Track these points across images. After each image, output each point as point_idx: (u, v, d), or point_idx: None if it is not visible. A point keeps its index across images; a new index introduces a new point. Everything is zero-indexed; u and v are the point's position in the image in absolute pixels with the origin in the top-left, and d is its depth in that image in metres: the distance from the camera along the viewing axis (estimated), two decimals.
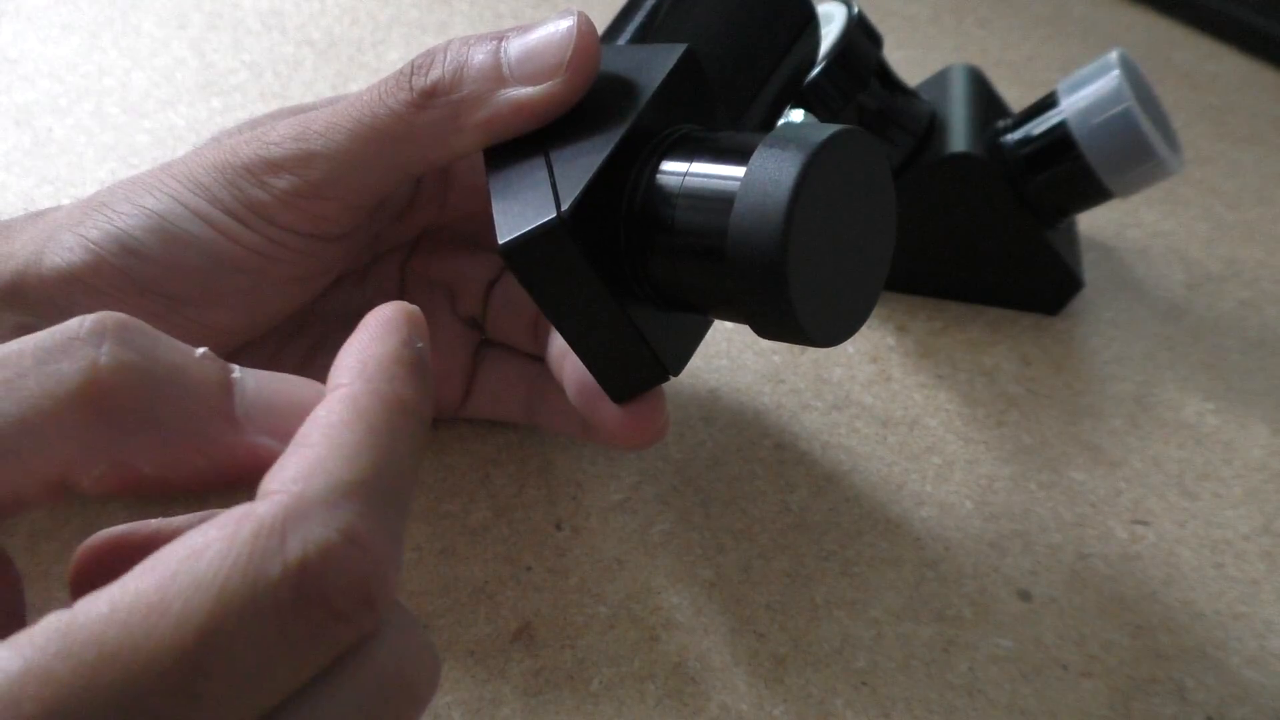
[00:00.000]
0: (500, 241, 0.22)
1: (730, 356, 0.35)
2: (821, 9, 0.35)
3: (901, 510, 0.30)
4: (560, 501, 0.30)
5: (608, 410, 0.25)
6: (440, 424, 0.31)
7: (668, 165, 0.23)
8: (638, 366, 0.24)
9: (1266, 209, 0.43)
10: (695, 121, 0.25)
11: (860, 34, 0.33)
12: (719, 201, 0.21)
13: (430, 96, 0.23)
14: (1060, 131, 0.33)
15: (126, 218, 0.24)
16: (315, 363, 0.29)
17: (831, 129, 0.21)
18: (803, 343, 0.22)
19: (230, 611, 0.13)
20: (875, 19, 0.53)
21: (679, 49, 0.25)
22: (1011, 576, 0.29)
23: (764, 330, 0.22)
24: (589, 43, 0.23)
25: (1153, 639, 0.27)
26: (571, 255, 0.22)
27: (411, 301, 0.30)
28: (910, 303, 0.37)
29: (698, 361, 0.34)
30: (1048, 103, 0.34)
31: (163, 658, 0.12)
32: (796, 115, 0.32)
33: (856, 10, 0.33)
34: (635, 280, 0.23)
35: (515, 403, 0.30)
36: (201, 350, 0.16)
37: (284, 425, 0.16)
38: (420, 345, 0.17)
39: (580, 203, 0.22)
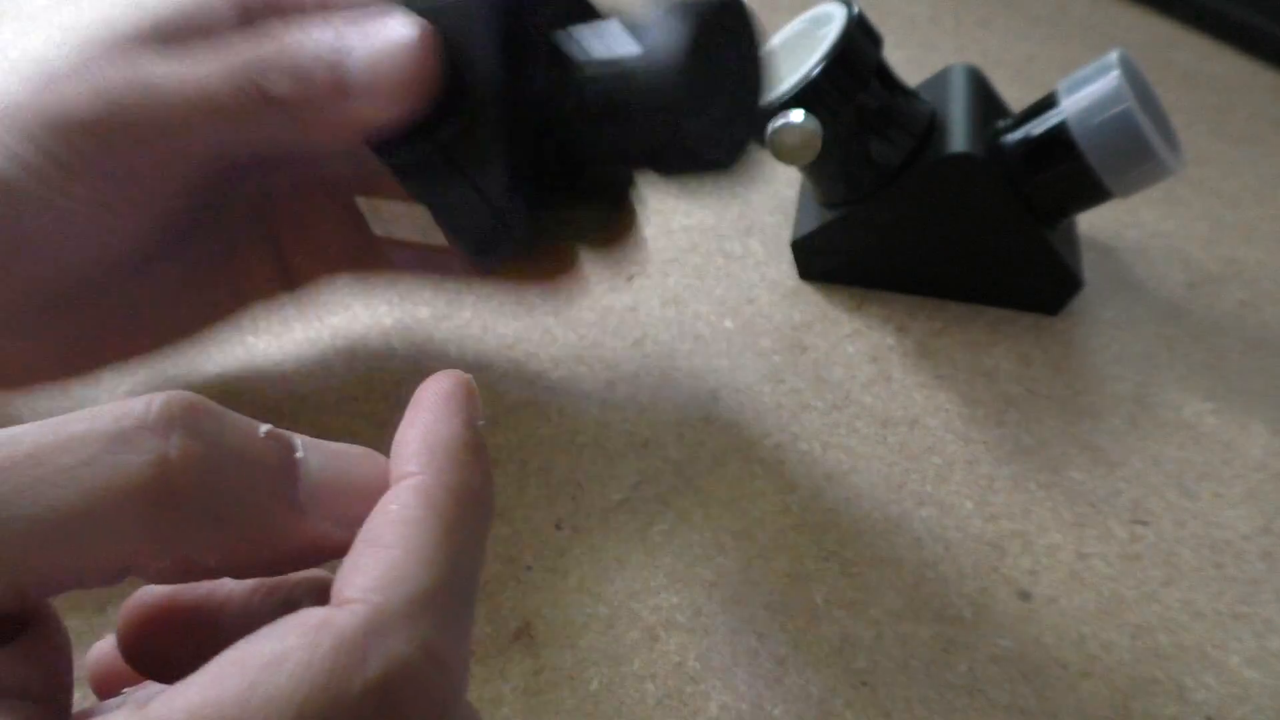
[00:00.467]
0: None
1: (730, 356, 0.35)
2: (821, 9, 0.35)
3: (901, 510, 0.30)
4: (560, 501, 0.30)
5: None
6: None
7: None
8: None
9: (1266, 209, 0.43)
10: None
11: (860, 33, 0.33)
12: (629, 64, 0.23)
13: (270, 103, 0.23)
14: (1060, 131, 0.33)
15: None
16: (177, 261, 0.28)
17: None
18: (700, 168, 0.24)
19: None
20: (875, 19, 0.53)
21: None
22: (1011, 576, 0.29)
23: (668, 159, 0.24)
24: (431, 63, 0.23)
25: (1152, 639, 0.27)
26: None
27: (277, 193, 0.29)
28: (910, 303, 0.37)
29: (697, 361, 0.34)
30: (1047, 103, 0.34)
31: None
32: (796, 116, 0.32)
33: (856, 10, 0.33)
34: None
35: (411, 256, 0.30)
36: (265, 428, 0.16)
37: (348, 510, 0.16)
38: (481, 423, 0.17)
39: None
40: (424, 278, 0.31)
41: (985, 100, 0.37)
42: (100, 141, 0.23)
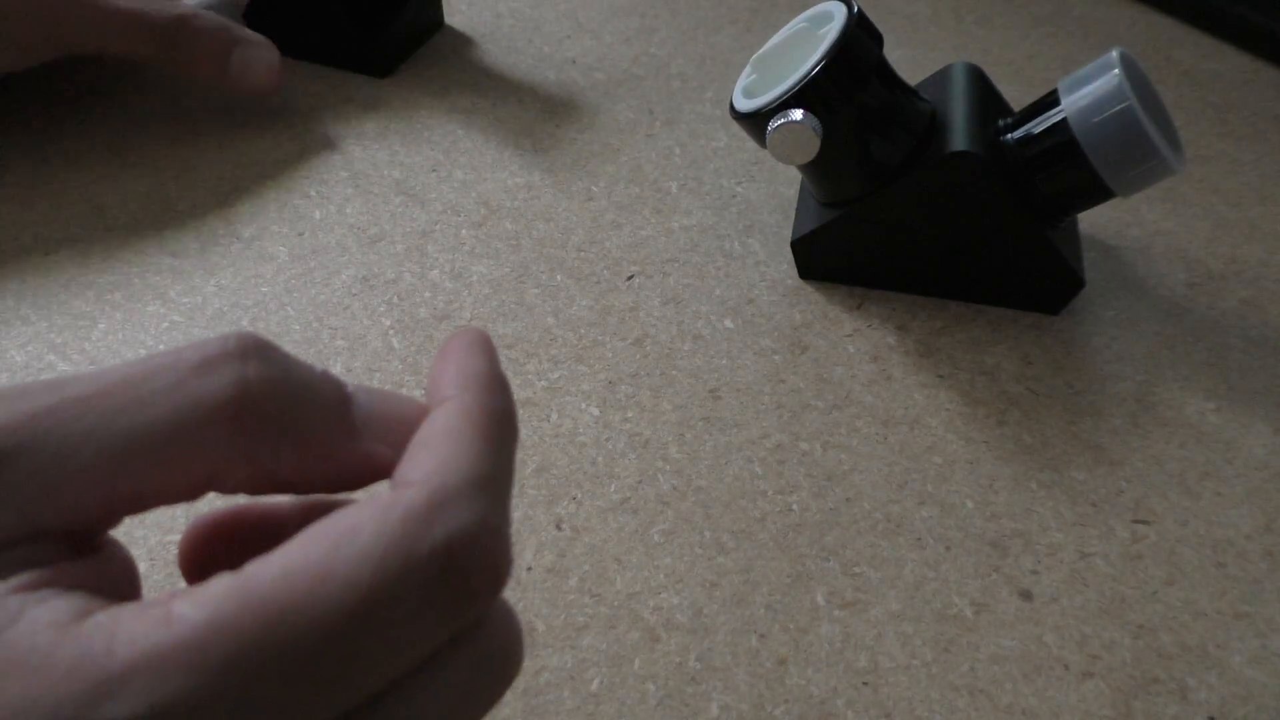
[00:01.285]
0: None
1: (730, 356, 0.35)
2: (821, 7, 0.34)
3: (902, 510, 0.30)
4: (560, 501, 0.30)
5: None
6: None
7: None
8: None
9: (1268, 207, 0.43)
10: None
11: (860, 32, 0.33)
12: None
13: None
14: (1061, 130, 0.33)
15: None
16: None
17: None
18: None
19: (386, 582, 0.14)
20: (875, 18, 0.53)
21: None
22: (1013, 576, 0.29)
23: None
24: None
25: (1154, 638, 0.27)
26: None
27: None
28: (911, 302, 0.37)
29: (697, 361, 0.34)
30: (1049, 101, 0.34)
31: (331, 617, 0.14)
32: (796, 114, 0.32)
33: (856, 8, 0.33)
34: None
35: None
36: (322, 369, 0.18)
37: (394, 435, 0.18)
38: (500, 365, 0.20)
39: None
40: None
41: (986, 99, 0.37)
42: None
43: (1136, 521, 0.30)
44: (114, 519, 0.16)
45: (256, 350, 0.17)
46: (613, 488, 0.30)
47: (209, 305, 0.35)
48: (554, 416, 0.32)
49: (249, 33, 0.41)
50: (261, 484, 0.17)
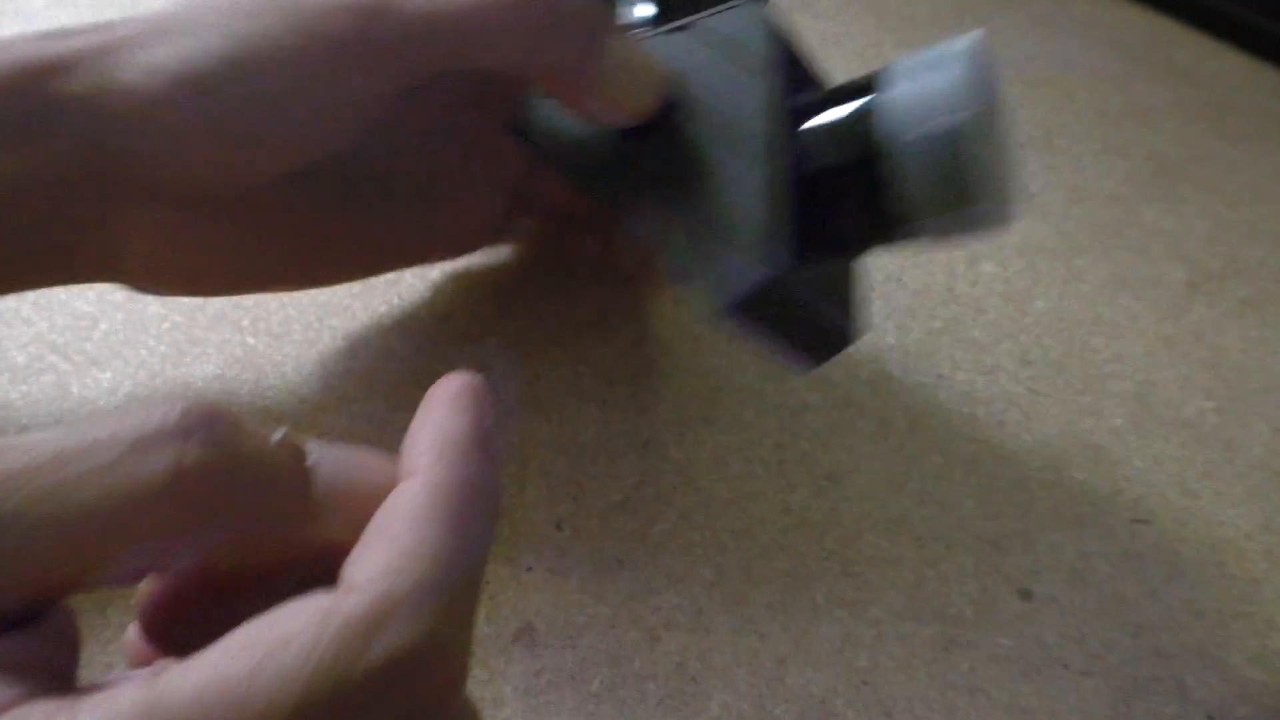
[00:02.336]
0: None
1: (730, 356, 0.35)
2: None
3: (902, 510, 0.30)
4: (560, 501, 0.30)
5: None
6: None
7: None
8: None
9: (1267, 207, 0.43)
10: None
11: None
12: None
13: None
14: (859, 136, 0.22)
15: (191, 49, 0.24)
16: (415, 156, 0.29)
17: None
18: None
19: (314, 708, 0.13)
20: (874, 18, 0.53)
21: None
22: (1012, 575, 0.29)
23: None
24: (664, 86, 0.26)
25: (1154, 638, 0.27)
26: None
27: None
28: (911, 301, 0.37)
29: (697, 360, 0.34)
30: (862, 87, 0.23)
31: None
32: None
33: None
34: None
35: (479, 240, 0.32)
36: (279, 434, 0.17)
37: (359, 512, 0.17)
38: (489, 425, 0.18)
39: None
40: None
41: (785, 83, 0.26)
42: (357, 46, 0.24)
43: (1136, 521, 0.30)
44: (44, 605, 0.15)
45: (201, 425, 0.15)
46: (613, 488, 0.30)
47: (209, 306, 0.35)
48: (554, 416, 0.32)
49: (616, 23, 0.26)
50: (206, 569, 0.16)
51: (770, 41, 0.24)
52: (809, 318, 0.24)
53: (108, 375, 0.32)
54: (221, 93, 0.24)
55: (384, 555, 0.15)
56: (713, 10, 0.25)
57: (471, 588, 0.16)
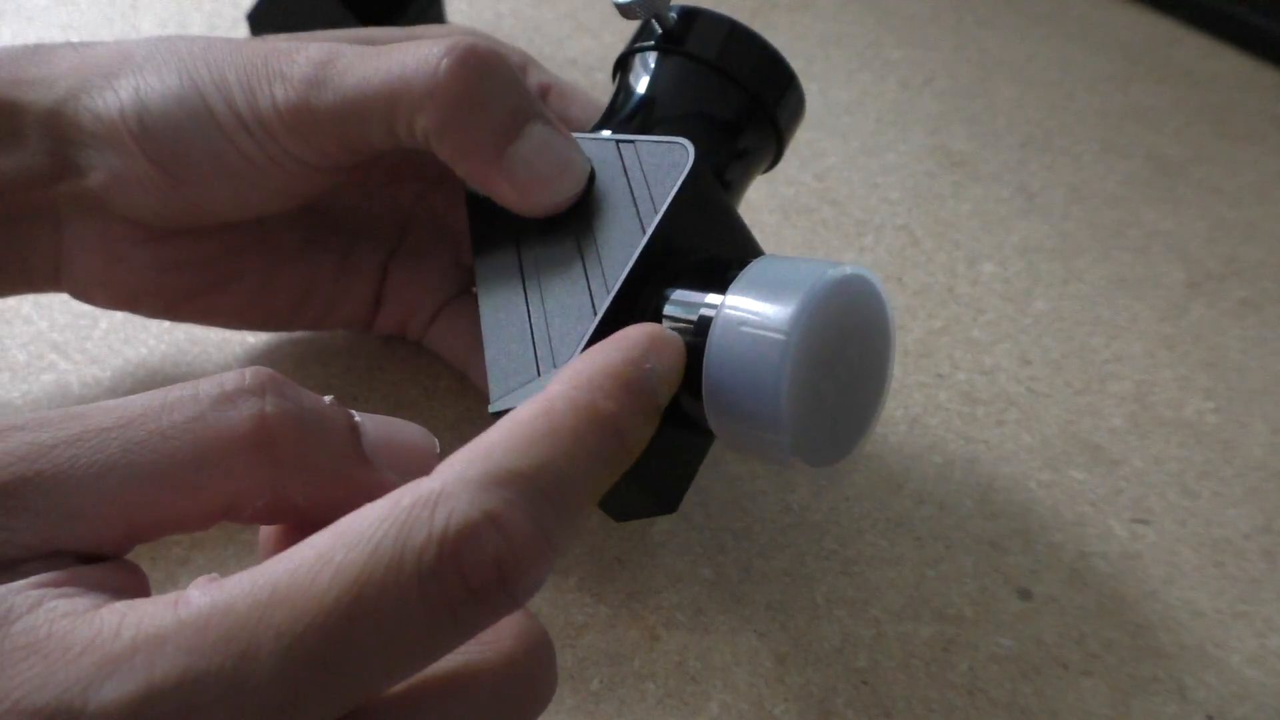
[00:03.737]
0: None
1: None
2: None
3: (902, 509, 0.30)
4: None
5: None
6: (444, 426, 0.31)
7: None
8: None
9: (1267, 207, 0.43)
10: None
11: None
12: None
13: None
14: (691, 323, 0.21)
15: (151, 91, 0.25)
16: (306, 256, 0.30)
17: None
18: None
19: (379, 567, 0.14)
20: (874, 18, 0.53)
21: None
22: (1012, 575, 0.29)
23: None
24: (580, 188, 0.25)
25: (1153, 638, 0.27)
26: None
27: (411, 236, 0.32)
28: (910, 300, 0.37)
29: None
30: (725, 276, 0.22)
31: (319, 602, 0.14)
32: None
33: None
34: None
35: (458, 352, 0.32)
36: (329, 398, 0.18)
37: (402, 461, 0.19)
38: (651, 366, 0.18)
39: None
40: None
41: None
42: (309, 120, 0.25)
43: (1135, 521, 0.30)
44: (130, 545, 0.17)
45: (272, 385, 0.17)
46: None
47: None
48: None
49: (537, 101, 0.25)
50: (277, 513, 0.18)
51: (680, 193, 0.23)
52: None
53: (108, 374, 0.32)
54: (169, 135, 0.25)
55: (471, 448, 0.16)
56: (655, 138, 0.24)
57: (560, 498, 0.16)
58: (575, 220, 0.25)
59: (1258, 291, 0.39)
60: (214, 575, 0.19)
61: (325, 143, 0.25)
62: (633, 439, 0.18)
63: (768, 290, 0.20)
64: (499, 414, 0.23)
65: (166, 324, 0.34)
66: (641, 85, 0.27)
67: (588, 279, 0.23)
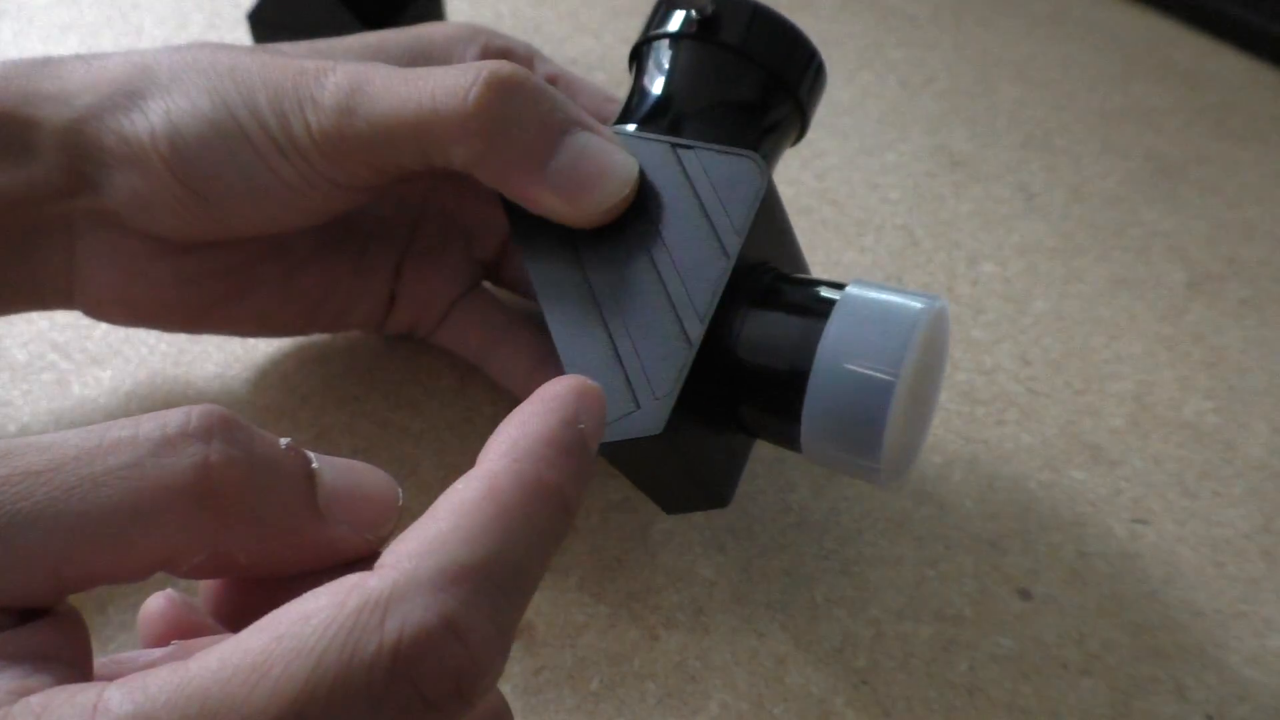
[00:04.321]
0: None
1: None
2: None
3: (901, 509, 0.30)
4: None
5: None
6: (444, 426, 0.31)
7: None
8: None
9: (1266, 208, 0.43)
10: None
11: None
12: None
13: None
14: (792, 352, 0.22)
15: (183, 114, 0.25)
16: (321, 260, 0.30)
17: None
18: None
19: (324, 682, 0.13)
20: (874, 18, 0.53)
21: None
22: (1011, 575, 0.29)
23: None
24: (630, 189, 0.24)
25: (1153, 638, 0.27)
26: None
27: (421, 233, 0.32)
28: None
29: None
30: (816, 303, 0.23)
31: (259, 718, 0.13)
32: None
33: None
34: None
35: (472, 347, 0.32)
36: (285, 441, 0.17)
37: (360, 515, 0.17)
38: (583, 426, 0.17)
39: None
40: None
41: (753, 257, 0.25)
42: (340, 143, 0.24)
43: (1135, 521, 0.30)
44: (60, 597, 0.15)
45: (220, 428, 0.16)
46: (612, 487, 0.30)
47: None
48: None
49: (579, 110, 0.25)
50: (218, 568, 0.16)
51: (759, 214, 0.23)
52: (680, 473, 0.24)
53: (108, 374, 0.32)
54: (203, 158, 0.24)
55: (421, 539, 0.15)
56: (721, 148, 0.24)
57: (515, 584, 0.15)
58: (642, 233, 0.24)
59: (1258, 292, 0.39)
60: (169, 593, 0.18)
61: (358, 167, 0.25)
62: (575, 504, 0.17)
63: (870, 325, 0.22)
64: (602, 446, 0.22)
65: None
66: (661, 73, 0.27)
67: (673, 303, 0.23)
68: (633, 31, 0.51)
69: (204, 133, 0.24)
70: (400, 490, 0.19)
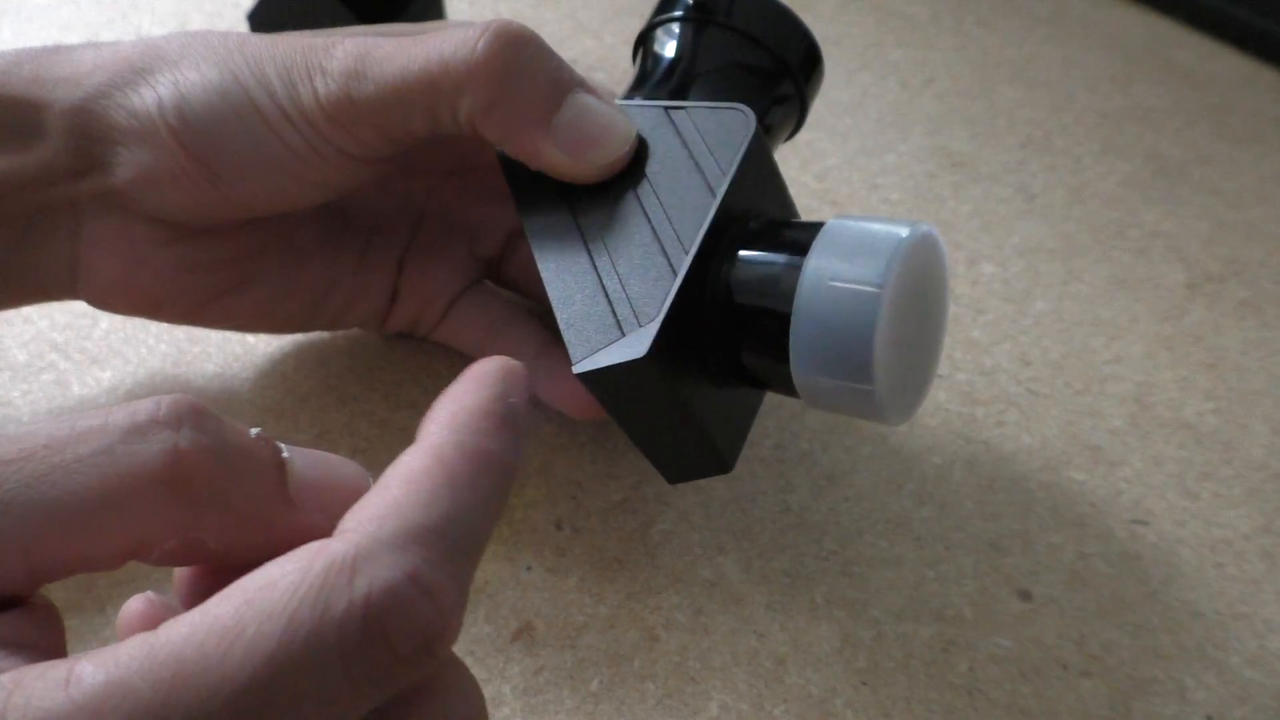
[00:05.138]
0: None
1: None
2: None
3: (901, 510, 0.30)
4: (560, 501, 0.30)
5: (560, 388, 0.28)
6: None
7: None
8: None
9: (1266, 208, 0.43)
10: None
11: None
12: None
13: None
14: (775, 288, 0.22)
15: (191, 85, 0.25)
16: (324, 254, 0.30)
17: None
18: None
19: (297, 640, 0.13)
20: (874, 18, 0.53)
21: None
22: (1011, 576, 0.29)
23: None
24: (629, 147, 0.25)
25: (1153, 639, 0.27)
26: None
27: (424, 230, 0.32)
28: None
29: None
30: (797, 236, 0.23)
31: (233, 680, 0.13)
32: None
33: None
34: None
35: (474, 341, 0.32)
36: (255, 431, 0.17)
37: (331, 503, 0.17)
38: (513, 400, 0.18)
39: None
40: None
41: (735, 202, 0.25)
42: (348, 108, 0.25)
43: (1135, 522, 0.30)
44: (34, 586, 0.16)
45: (191, 416, 0.16)
46: (612, 488, 0.30)
47: None
48: (554, 416, 0.32)
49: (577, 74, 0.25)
50: (189, 555, 0.17)
51: (745, 159, 0.24)
52: (677, 425, 0.24)
53: (108, 374, 0.32)
54: (212, 128, 0.25)
55: (377, 505, 0.15)
56: (711, 104, 0.25)
57: (467, 547, 0.16)
58: (634, 184, 0.25)
59: (1258, 292, 0.39)
60: (149, 594, 0.18)
61: (367, 133, 0.25)
62: (514, 471, 0.18)
63: (851, 249, 0.21)
64: (586, 375, 0.23)
65: (166, 325, 0.34)
66: (668, 55, 0.28)
67: (660, 241, 0.24)
68: (632, 31, 0.51)
69: (212, 102, 0.24)
70: (371, 479, 0.19)
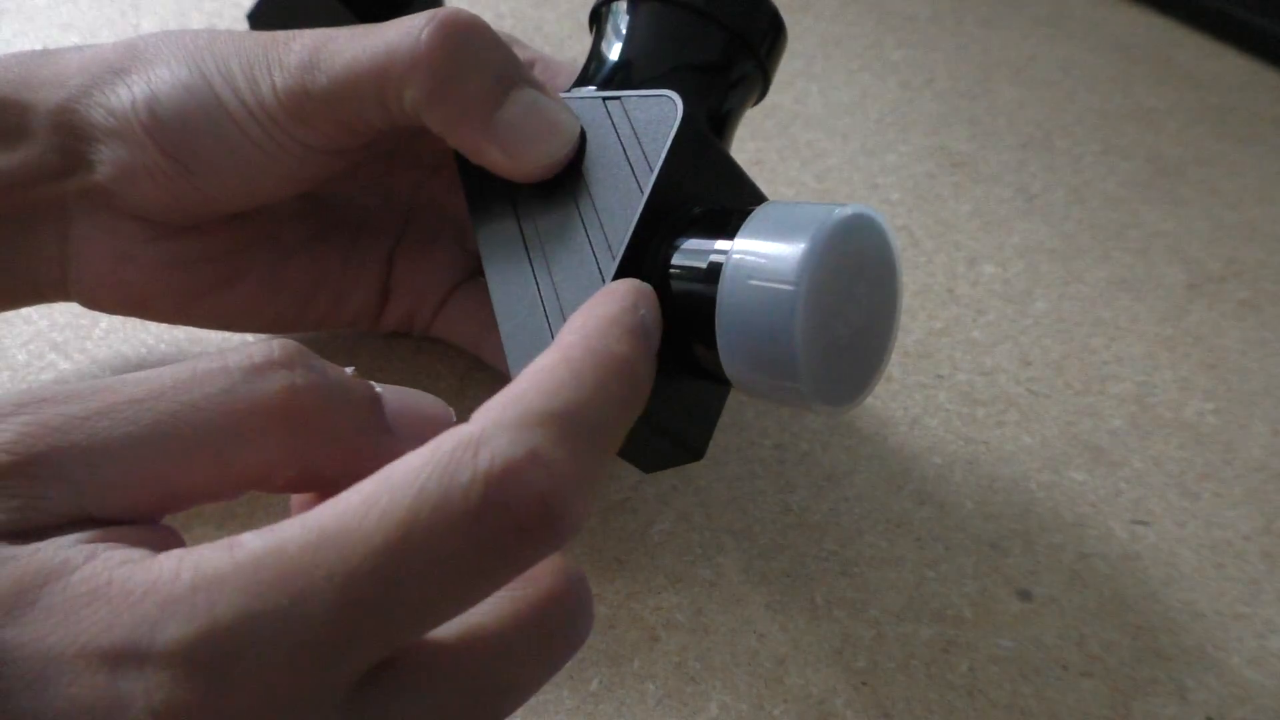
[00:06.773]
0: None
1: None
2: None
3: (901, 510, 0.30)
4: None
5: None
6: None
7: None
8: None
9: (1267, 208, 0.43)
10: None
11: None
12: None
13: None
14: (707, 275, 0.21)
15: (161, 83, 0.25)
16: (311, 250, 0.30)
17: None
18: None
19: (425, 508, 0.15)
20: (874, 18, 0.53)
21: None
22: (1012, 576, 0.29)
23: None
24: (571, 147, 0.25)
25: (1153, 639, 0.27)
26: None
27: (413, 225, 0.32)
28: (910, 302, 0.37)
29: None
30: (731, 225, 0.22)
31: (367, 543, 0.14)
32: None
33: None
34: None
35: (469, 336, 0.32)
36: (350, 369, 0.19)
37: (422, 430, 0.19)
38: (644, 313, 0.19)
39: None
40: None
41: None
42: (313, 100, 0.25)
43: (1135, 522, 0.30)
44: (161, 515, 0.17)
45: (300, 357, 0.18)
46: (613, 488, 0.30)
47: None
48: None
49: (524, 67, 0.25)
50: (306, 483, 0.18)
51: (673, 150, 0.23)
52: (638, 426, 0.22)
53: (108, 374, 0.32)
54: (182, 124, 0.25)
55: (502, 397, 0.17)
56: (641, 92, 0.24)
57: (590, 436, 0.17)
58: (571, 183, 0.25)
59: (1258, 293, 0.39)
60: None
61: (324, 125, 0.25)
62: (644, 381, 0.19)
63: (773, 237, 0.20)
64: None
65: (166, 325, 0.34)
66: (620, 35, 0.27)
67: (591, 245, 0.23)
68: None
69: (181, 99, 0.25)
70: (453, 411, 0.20)
